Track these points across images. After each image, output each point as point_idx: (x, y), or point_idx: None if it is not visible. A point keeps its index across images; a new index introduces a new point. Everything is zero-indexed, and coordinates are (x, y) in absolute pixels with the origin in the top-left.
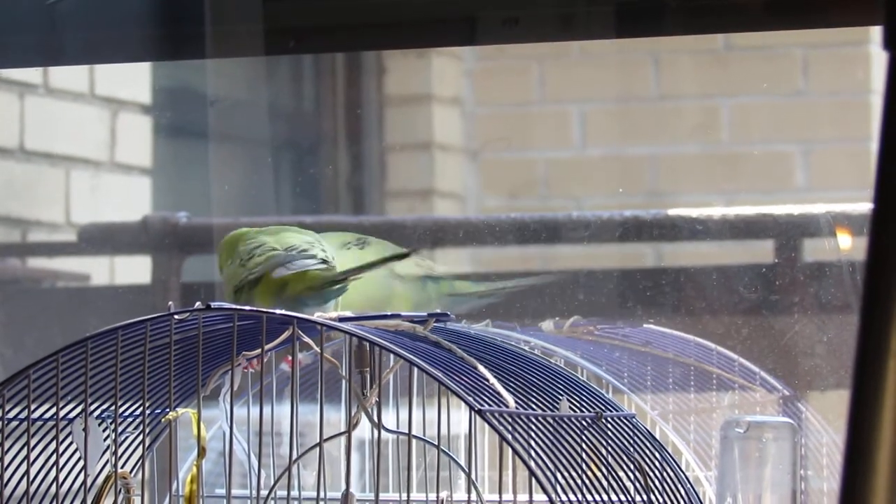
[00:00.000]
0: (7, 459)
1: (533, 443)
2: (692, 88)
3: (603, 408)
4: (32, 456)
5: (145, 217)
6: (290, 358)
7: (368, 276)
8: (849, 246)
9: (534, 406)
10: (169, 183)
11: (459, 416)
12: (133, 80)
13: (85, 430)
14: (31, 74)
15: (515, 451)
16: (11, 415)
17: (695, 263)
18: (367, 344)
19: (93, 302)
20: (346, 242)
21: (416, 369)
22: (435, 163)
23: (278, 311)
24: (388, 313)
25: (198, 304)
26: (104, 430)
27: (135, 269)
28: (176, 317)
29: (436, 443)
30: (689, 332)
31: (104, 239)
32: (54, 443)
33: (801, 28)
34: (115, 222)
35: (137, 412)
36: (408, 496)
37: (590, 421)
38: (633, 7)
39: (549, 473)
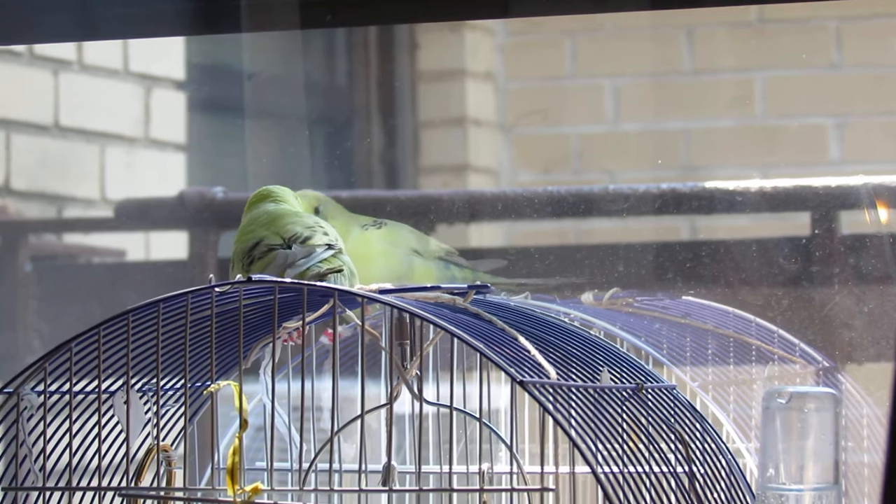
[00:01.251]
0: (49, 432)
1: (574, 414)
2: (726, 62)
3: (643, 379)
4: (74, 429)
5: (182, 192)
6: (330, 331)
7: (387, 251)
8: (886, 218)
9: (575, 377)
10: (204, 158)
11: (499, 390)
12: (167, 55)
13: (126, 403)
14: (65, 51)
15: (557, 422)
16: (53, 388)
17: (732, 236)
18: (408, 316)
19: (130, 277)
20: (363, 224)
21: (456, 341)
22: (468, 138)
23: (319, 284)
24: (429, 285)
25: (238, 277)
26: (145, 403)
27: (171, 245)
28: (217, 289)
29: (477, 415)
30: (728, 303)
31: (141, 214)
32: (96, 416)
33: None
34: (151, 197)
35: (178, 385)
36: (450, 468)
37: (631, 392)
38: None
39: (590, 444)
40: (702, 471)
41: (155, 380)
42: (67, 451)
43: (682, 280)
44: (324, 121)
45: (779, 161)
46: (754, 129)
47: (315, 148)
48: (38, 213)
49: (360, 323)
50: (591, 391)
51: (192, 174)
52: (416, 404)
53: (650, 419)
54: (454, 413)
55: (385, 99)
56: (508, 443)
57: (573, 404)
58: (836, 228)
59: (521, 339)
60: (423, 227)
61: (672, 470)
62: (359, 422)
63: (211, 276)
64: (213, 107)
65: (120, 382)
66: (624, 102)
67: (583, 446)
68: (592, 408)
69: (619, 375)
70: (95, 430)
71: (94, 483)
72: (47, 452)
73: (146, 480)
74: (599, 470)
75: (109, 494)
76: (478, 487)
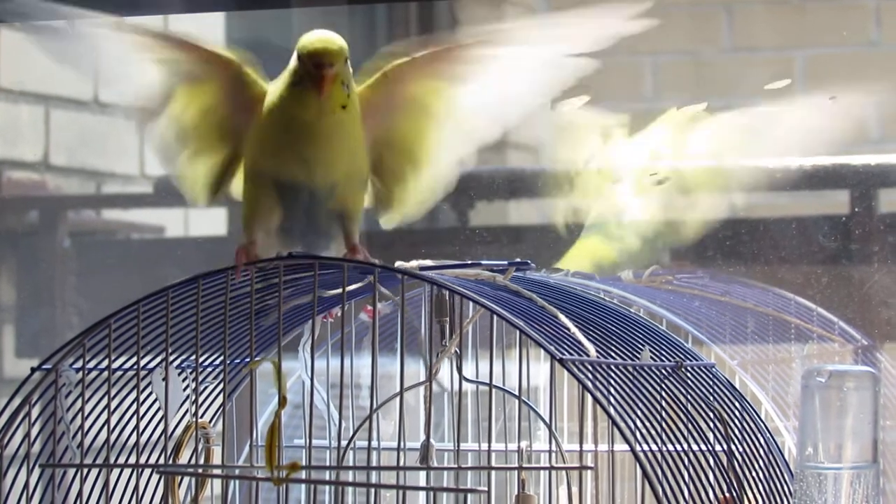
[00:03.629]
0: (87, 409)
1: (613, 392)
2: (765, 40)
3: (683, 357)
4: (112, 405)
5: None
6: (369, 307)
7: None
8: None
9: (614, 355)
10: None
11: (538, 368)
12: (208, 30)
13: (165, 379)
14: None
15: (596, 400)
16: (92, 364)
17: (771, 214)
18: (447, 293)
19: (169, 253)
20: None
21: (496, 319)
22: None
23: (359, 260)
24: (469, 262)
25: (278, 253)
26: (184, 380)
27: (210, 221)
28: (257, 265)
29: (516, 393)
30: (767, 282)
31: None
32: (134, 392)
33: None
34: None
35: (217, 362)
36: (489, 446)
37: (670, 370)
38: None
39: (629, 422)
40: (740, 449)
41: (194, 356)
42: (105, 428)
43: (722, 258)
44: None
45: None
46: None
47: None
48: (77, 188)
49: (398, 301)
50: (631, 369)
51: None
52: (455, 382)
53: (689, 397)
54: (493, 391)
55: None
56: (547, 421)
57: (612, 382)
58: (876, 206)
59: (561, 317)
60: (462, 204)
61: (711, 448)
62: (397, 399)
63: (256, 252)
64: None
65: (159, 359)
66: (663, 80)
67: (622, 424)
68: (631, 385)
69: (658, 353)
70: (133, 406)
71: (132, 460)
72: (86, 429)
73: (184, 458)
74: (638, 448)
75: (147, 472)
76: (516, 466)
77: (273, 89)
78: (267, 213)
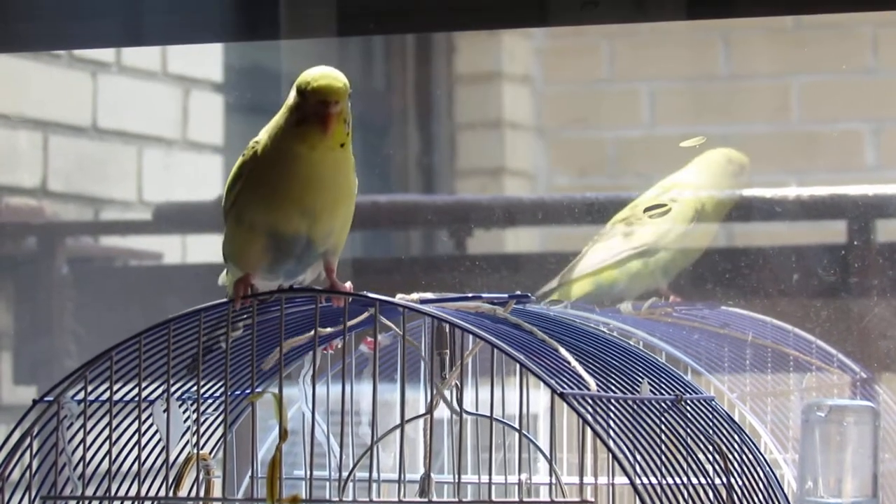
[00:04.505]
0: (89, 440)
1: (613, 425)
2: (762, 67)
3: (682, 390)
4: (114, 436)
5: (220, 195)
6: (369, 339)
7: None
8: None
9: (614, 388)
10: None
11: (537, 395)
12: (205, 58)
13: (166, 410)
14: (103, 53)
15: (597, 434)
16: (93, 396)
17: (769, 244)
18: (447, 326)
19: (167, 280)
20: None
21: (496, 351)
22: (505, 141)
23: (360, 293)
24: (469, 294)
25: (279, 285)
26: (185, 411)
27: (208, 248)
28: (258, 297)
29: (516, 425)
30: (766, 314)
31: (180, 218)
32: (135, 423)
33: (874, 9)
34: (190, 201)
35: (218, 393)
36: (489, 479)
37: (670, 403)
38: None
39: (629, 455)
40: (740, 482)
41: (195, 387)
42: (107, 459)
43: (721, 290)
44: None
45: (815, 167)
46: (790, 134)
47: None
48: (75, 215)
49: (399, 332)
50: (631, 402)
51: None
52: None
53: (689, 430)
54: (493, 423)
55: (422, 102)
56: (547, 455)
57: (612, 415)
58: (874, 237)
59: (562, 350)
60: (462, 233)
61: (710, 481)
62: (397, 431)
63: (253, 283)
64: (250, 109)
65: (160, 390)
66: (660, 107)
67: (621, 457)
68: (631, 419)
69: (658, 386)
70: (135, 437)
71: (133, 492)
72: (87, 459)
73: (185, 489)
74: (638, 481)
75: (148, 503)
76: (517, 500)
77: (269, 131)
78: (256, 260)
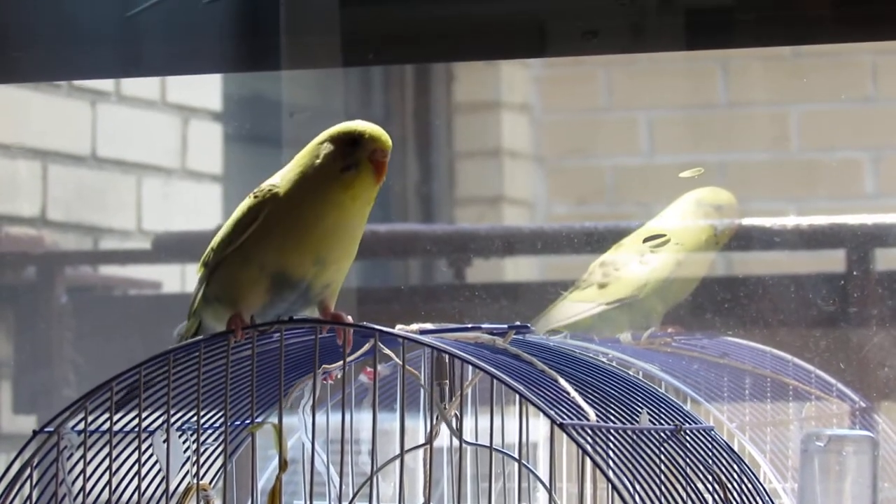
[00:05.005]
0: (90, 470)
1: (612, 455)
2: (761, 96)
3: (682, 420)
4: (114, 466)
5: (219, 225)
6: (368, 369)
7: None
8: None
9: (613, 419)
10: (240, 191)
11: (536, 423)
12: (204, 87)
13: (167, 441)
14: (103, 83)
15: (596, 464)
16: (93, 426)
17: (767, 272)
18: (447, 356)
19: (167, 310)
20: None
21: (495, 381)
22: (504, 170)
23: (359, 324)
24: (469, 325)
25: (279, 316)
26: (184, 442)
27: None
28: (259, 328)
29: (515, 454)
30: (765, 343)
31: (180, 247)
32: (136, 454)
33: (872, 40)
34: (189, 231)
35: (218, 423)
36: None
37: (669, 434)
38: (703, 19)
39: (628, 486)
40: None
41: (195, 418)
42: (107, 489)
43: (721, 319)
44: None
45: (814, 195)
46: (789, 163)
47: None
48: (74, 244)
49: (399, 362)
50: (630, 433)
51: (228, 206)
52: (455, 442)
53: (688, 460)
54: (493, 452)
55: (421, 131)
56: (547, 485)
57: (611, 445)
58: (873, 266)
59: (561, 381)
60: (461, 262)
61: None
62: (397, 460)
63: (252, 315)
64: (250, 138)
65: (160, 420)
66: (659, 135)
67: (621, 487)
68: (631, 449)
69: (657, 416)
70: (135, 468)
71: None
72: (87, 489)
73: None
74: None
75: None
76: None
77: (293, 177)
78: (254, 300)
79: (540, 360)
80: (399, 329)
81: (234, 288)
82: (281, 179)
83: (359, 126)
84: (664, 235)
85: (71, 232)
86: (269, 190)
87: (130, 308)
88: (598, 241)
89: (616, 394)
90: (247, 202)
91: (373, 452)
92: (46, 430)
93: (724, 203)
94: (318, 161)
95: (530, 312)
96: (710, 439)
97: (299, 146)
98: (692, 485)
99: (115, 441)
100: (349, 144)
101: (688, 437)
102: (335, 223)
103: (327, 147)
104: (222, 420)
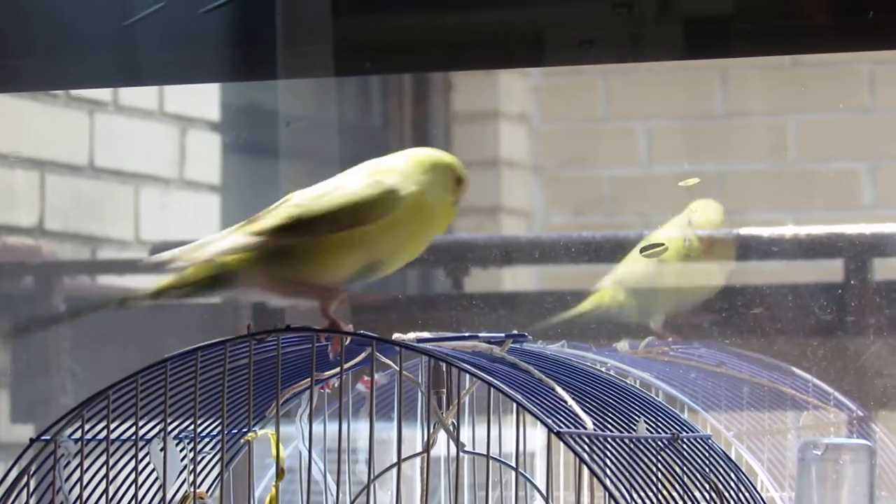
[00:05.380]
0: (86, 478)
1: (610, 464)
2: (759, 105)
3: (679, 429)
4: (111, 475)
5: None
6: (366, 378)
7: None
8: None
9: (611, 427)
10: (238, 200)
11: (534, 432)
12: (202, 97)
13: (163, 449)
14: (100, 92)
15: (593, 473)
16: (90, 434)
17: (765, 282)
18: (444, 365)
19: (164, 319)
20: None
21: (493, 390)
22: (502, 179)
23: (357, 332)
24: (466, 334)
25: (276, 325)
26: (181, 450)
27: None
28: (255, 337)
29: (512, 463)
30: (763, 352)
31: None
32: (132, 462)
33: (872, 49)
34: (187, 240)
35: (215, 432)
36: None
37: (666, 442)
38: (702, 28)
39: (625, 494)
40: None
41: (192, 426)
42: (104, 497)
43: (718, 328)
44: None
45: (812, 205)
46: (787, 172)
47: None
48: (72, 254)
49: (396, 369)
50: (627, 441)
51: (226, 216)
52: (452, 451)
53: (685, 469)
54: (490, 461)
55: (419, 140)
56: (544, 492)
57: (609, 454)
58: (871, 276)
59: (558, 389)
60: (459, 272)
61: None
62: (394, 469)
63: (249, 323)
64: (248, 149)
65: (157, 428)
66: (657, 145)
67: (618, 496)
68: (628, 458)
69: (654, 425)
70: (132, 476)
71: None
72: (84, 498)
73: None
74: None
75: None
76: None
77: (413, 185)
78: (344, 274)
79: (537, 369)
80: (396, 337)
81: (334, 261)
82: (403, 180)
83: (464, 170)
84: (662, 245)
85: (68, 241)
86: (392, 189)
87: (127, 317)
88: (596, 250)
89: (613, 402)
90: (370, 190)
91: (370, 461)
92: (43, 438)
93: (697, 217)
94: (440, 185)
95: (528, 322)
96: (707, 448)
97: (296, 156)
98: (689, 493)
99: (112, 449)
100: (458, 182)
101: (685, 446)
102: (430, 238)
103: (448, 174)
104: (219, 428)
